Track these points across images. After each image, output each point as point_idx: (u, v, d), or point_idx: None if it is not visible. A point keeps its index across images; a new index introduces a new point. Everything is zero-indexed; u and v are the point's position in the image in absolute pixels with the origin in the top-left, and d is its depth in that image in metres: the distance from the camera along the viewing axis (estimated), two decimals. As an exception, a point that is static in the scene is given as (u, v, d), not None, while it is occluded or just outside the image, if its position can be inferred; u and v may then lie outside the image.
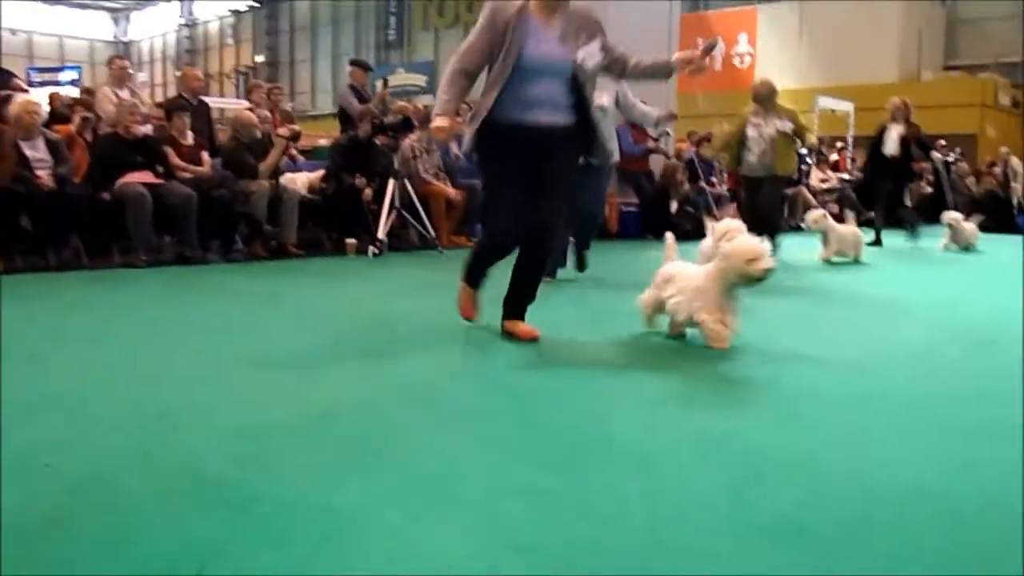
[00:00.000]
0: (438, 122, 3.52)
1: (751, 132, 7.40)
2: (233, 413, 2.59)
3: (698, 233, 9.49)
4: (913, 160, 9.27)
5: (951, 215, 9.28)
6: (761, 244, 3.41)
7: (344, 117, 8.55)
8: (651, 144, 9.68)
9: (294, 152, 8.43)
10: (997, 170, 14.89)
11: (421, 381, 3.03)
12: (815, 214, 7.71)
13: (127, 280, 5.77)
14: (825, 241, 7.59)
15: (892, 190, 9.34)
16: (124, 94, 7.25)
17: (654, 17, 10.11)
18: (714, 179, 10.91)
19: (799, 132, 7.43)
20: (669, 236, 3.87)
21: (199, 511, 1.78)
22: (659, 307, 3.74)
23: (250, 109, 7.90)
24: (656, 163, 10.10)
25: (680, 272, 3.64)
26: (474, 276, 3.84)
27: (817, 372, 3.26)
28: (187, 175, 6.76)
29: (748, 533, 1.71)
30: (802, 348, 3.69)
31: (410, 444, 2.30)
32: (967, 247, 9.04)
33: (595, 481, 2.02)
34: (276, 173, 7.35)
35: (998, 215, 12.29)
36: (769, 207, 7.48)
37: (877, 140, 9.35)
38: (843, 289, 5.92)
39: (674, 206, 9.58)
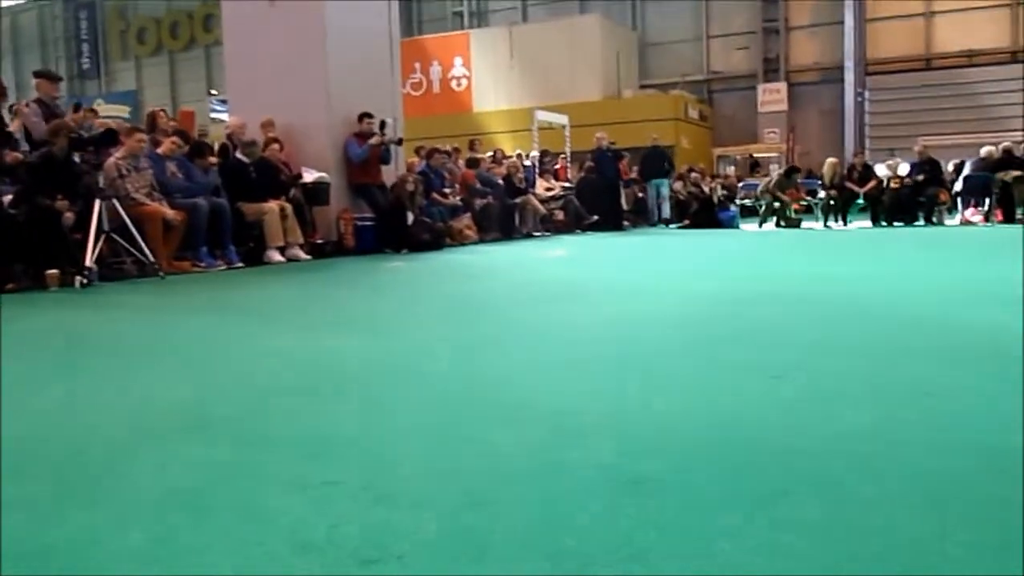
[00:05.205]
0: None
1: None
2: None
3: (435, 243, 9.53)
4: None
5: None
6: None
7: (28, 137, 7.46)
8: (375, 140, 9.44)
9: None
10: (695, 175, 16.41)
11: (145, 395, 2.56)
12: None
13: None
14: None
15: None
16: None
17: (376, 42, 10.01)
18: (447, 190, 10.95)
19: None
20: None
21: None
22: None
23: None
24: (388, 175, 9.91)
25: None
26: None
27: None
28: None
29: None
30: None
31: (147, 459, 1.88)
32: None
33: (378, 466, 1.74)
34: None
35: (704, 213, 13.39)
36: None
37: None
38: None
39: (410, 218, 9.42)
